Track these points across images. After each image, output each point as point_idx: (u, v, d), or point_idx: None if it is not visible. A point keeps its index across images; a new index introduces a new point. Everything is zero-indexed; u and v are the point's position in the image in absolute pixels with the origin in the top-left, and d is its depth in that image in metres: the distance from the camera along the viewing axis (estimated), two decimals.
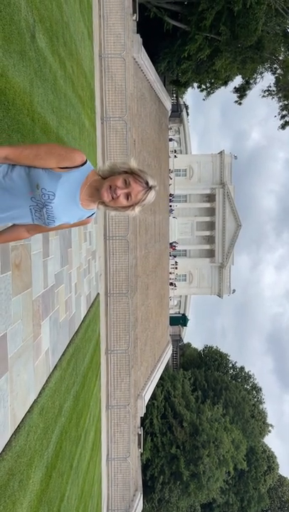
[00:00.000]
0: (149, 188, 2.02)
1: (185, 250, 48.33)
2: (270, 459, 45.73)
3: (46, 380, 6.07)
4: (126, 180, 1.98)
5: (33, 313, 5.28)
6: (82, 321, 9.99)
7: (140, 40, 17.62)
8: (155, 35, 26.77)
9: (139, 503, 18.69)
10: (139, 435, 18.77)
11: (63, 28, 7.78)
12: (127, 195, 2.00)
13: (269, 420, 53.19)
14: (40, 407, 5.54)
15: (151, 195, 2.05)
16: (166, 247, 34.83)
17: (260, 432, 49.11)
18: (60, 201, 1.99)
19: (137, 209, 2.07)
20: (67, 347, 7.78)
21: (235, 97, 29.62)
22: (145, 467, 36.80)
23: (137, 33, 17.74)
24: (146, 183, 2.01)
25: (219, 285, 48.49)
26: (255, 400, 52.95)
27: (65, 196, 2.01)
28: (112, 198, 2.00)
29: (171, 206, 40.47)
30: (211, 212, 46.82)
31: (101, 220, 16.26)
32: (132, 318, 17.64)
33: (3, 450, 4.20)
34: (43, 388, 5.85)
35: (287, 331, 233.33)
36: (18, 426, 4.68)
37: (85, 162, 2.04)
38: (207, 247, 47.71)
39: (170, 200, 39.53)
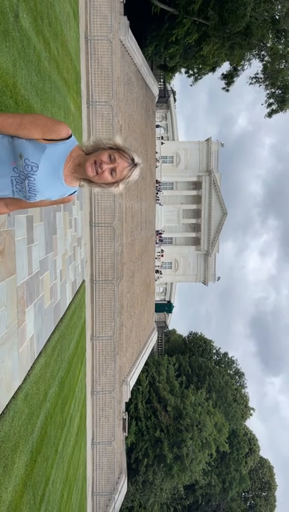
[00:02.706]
0: (134, 164, 2.00)
1: (171, 238, 48.44)
2: (251, 442, 47.10)
3: (31, 367, 6.07)
4: (111, 155, 1.95)
5: (18, 299, 5.24)
6: (68, 307, 9.97)
7: (127, 22, 17.26)
8: (142, 17, 26.22)
9: (123, 486, 19.08)
10: (124, 419, 19.04)
11: (48, 7, 7.55)
12: (112, 171, 1.97)
13: (251, 403, 54.67)
14: (24, 393, 5.55)
15: (136, 173, 2.03)
16: (153, 234, 34.84)
17: (242, 415, 50.43)
18: (43, 174, 1.94)
19: (121, 186, 2.04)
20: (52, 333, 7.77)
21: (222, 83, 29.34)
22: (130, 450, 37.46)
23: (124, 15, 17.35)
24: (132, 160, 1.98)
25: (204, 273, 48.91)
26: (238, 384, 54.21)
27: (48, 169, 1.95)
28: (97, 172, 1.96)
29: (157, 193, 40.34)
30: (198, 200, 46.87)
31: (87, 206, 16.11)
32: (118, 305, 17.70)
33: None
34: (28, 374, 5.85)
35: (270, 315, 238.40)
36: (3, 411, 4.68)
37: (70, 136, 1.99)
38: (193, 234, 47.89)
39: (156, 188, 39.39)
